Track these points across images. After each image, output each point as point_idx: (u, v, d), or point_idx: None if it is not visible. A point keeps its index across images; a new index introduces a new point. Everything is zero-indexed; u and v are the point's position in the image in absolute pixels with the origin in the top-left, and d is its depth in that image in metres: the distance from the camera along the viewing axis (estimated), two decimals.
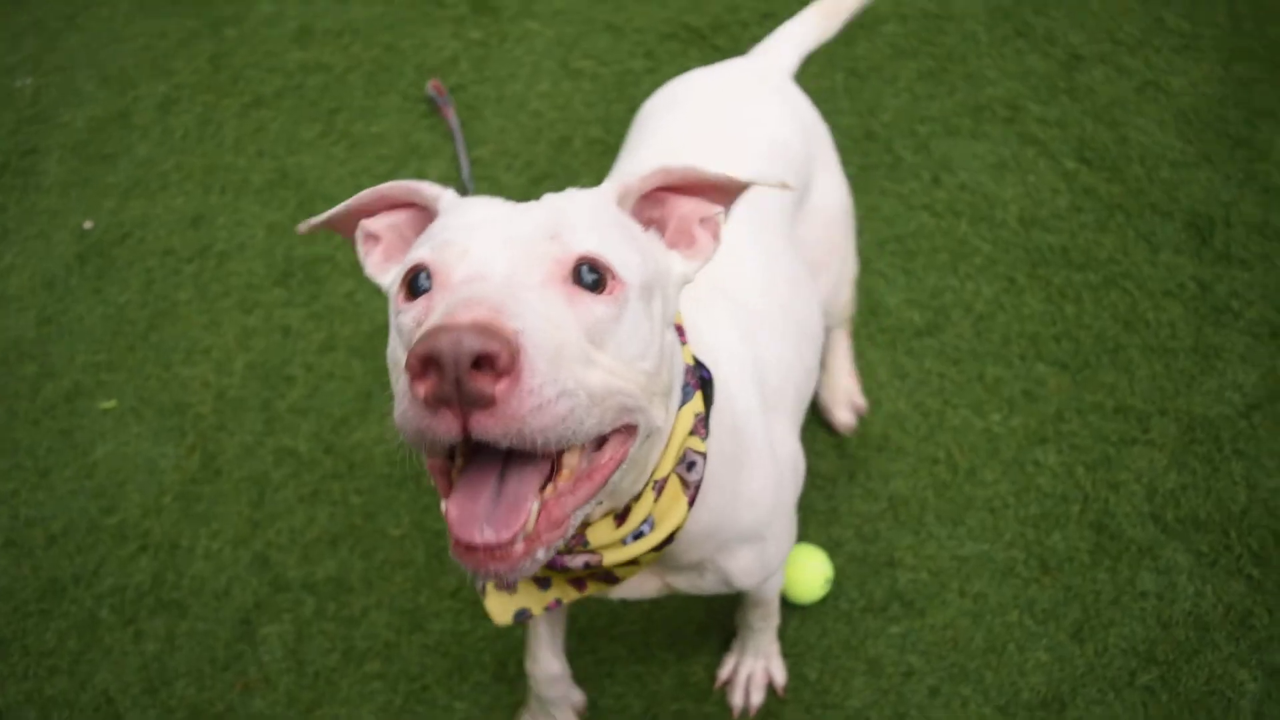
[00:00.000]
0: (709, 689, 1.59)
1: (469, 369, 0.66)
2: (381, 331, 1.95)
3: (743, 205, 1.23)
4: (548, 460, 0.77)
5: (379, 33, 2.42)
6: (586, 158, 2.17)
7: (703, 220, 0.93)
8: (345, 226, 0.98)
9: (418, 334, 0.70)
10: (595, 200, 0.88)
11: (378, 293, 2.00)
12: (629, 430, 0.82)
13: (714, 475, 1.01)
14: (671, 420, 0.93)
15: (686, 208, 0.93)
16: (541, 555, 0.76)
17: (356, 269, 2.04)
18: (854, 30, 2.35)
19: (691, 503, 0.97)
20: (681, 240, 0.93)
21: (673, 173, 0.90)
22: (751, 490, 1.09)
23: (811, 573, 1.62)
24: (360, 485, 1.79)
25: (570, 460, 0.78)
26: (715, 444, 1.01)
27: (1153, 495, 1.76)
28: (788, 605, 1.64)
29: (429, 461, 0.79)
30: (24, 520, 1.79)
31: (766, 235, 1.29)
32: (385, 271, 0.95)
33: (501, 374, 0.67)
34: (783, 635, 1.63)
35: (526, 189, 2.13)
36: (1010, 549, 1.71)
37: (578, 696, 1.51)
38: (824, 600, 1.65)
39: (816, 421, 1.82)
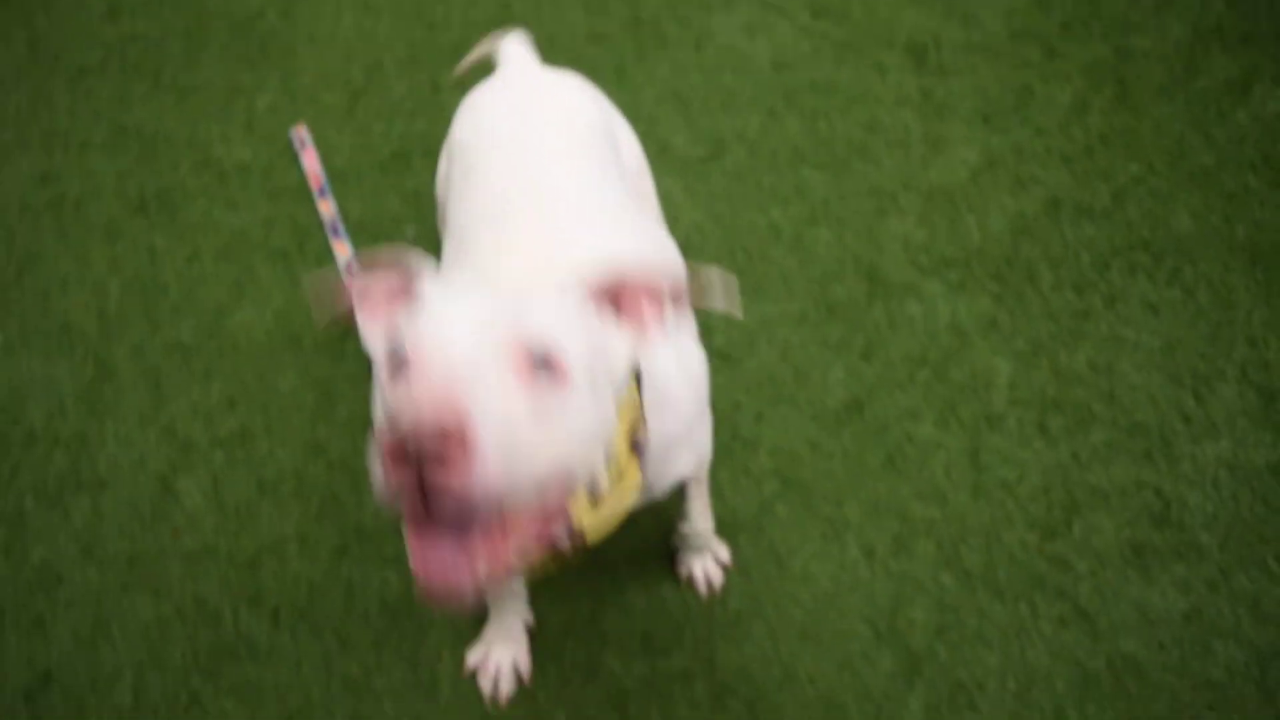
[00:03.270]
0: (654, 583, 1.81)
1: (431, 461, 0.77)
2: (242, 234, 2.18)
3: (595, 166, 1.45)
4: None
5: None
6: (397, 73, 2.46)
7: (650, 301, 1.02)
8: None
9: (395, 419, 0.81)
10: (555, 295, 0.98)
11: (230, 206, 2.24)
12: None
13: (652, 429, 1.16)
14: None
15: (640, 291, 1.02)
16: (484, 586, 0.88)
17: (207, 192, 2.27)
18: None
19: (641, 464, 1.13)
20: (633, 315, 1.02)
21: (627, 279, 1.00)
22: (671, 401, 1.25)
23: None
24: (247, 356, 2.02)
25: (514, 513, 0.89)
26: (648, 403, 1.16)
27: (908, 246, 2.16)
28: None
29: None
30: None
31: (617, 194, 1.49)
32: (375, 337, 1.04)
33: (452, 462, 0.78)
34: None
35: (348, 104, 2.40)
36: (802, 303, 2.08)
37: (529, 616, 1.73)
38: None
39: None
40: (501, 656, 1.69)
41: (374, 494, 0.84)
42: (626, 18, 2.55)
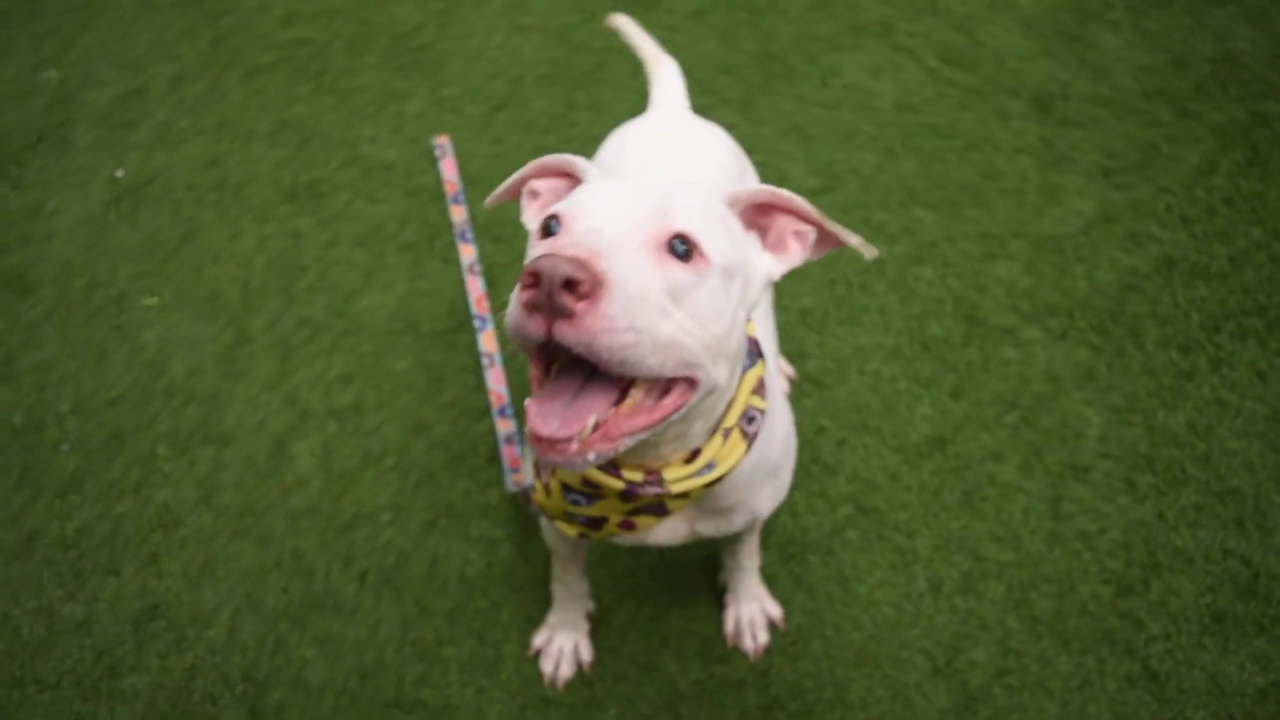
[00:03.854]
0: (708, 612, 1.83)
1: (560, 287, 0.84)
2: (378, 227, 2.35)
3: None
4: (618, 388, 0.94)
5: (354, 11, 2.87)
6: (536, 90, 2.61)
7: (796, 232, 1.09)
8: (513, 193, 1.20)
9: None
10: (703, 193, 1.04)
11: (371, 200, 2.41)
12: (690, 384, 0.98)
13: None
14: (735, 382, 1.12)
15: (786, 221, 1.10)
16: (592, 458, 0.93)
17: (352, 185, 2.45)
18: None
19: (749, 449, 1.17)
20: (777, 246, 1.10)
21: (779, 197, 1.07)
22: (776, 431, 1.31)
23: None
24: (368, 337, 2.17)
25: (636, 395, 0.95)
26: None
27: (1012, 292, 2.17)
28: None
29: (531, 367, 0.98)
30: (87, 391, 2.15)
31: None
32: (534, 219, 1.17)
33: (583, 297, 0.85)
34: None
35: (488, 116, 2.55)
36: (898, 337, 2.11)
37: (590, 605, 1.81)
38: None
39: None
40: (565, 641, 1.77)
41: (507, 332, 0.90)
42: (758, 52, 2.63)
